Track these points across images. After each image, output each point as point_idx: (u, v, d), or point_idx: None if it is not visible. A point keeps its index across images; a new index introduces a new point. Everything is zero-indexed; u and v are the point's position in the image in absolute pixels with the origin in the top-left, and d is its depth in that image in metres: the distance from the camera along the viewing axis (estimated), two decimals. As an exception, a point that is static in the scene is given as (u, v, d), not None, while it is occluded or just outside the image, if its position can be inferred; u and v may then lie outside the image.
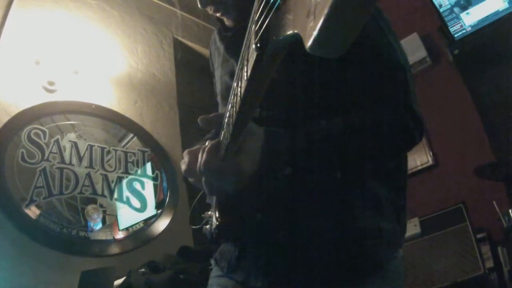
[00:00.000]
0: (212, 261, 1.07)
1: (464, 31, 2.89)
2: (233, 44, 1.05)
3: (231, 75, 1.04)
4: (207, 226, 0.98)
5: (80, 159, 2.47)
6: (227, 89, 1.06)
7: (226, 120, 0.64)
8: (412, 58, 3.22)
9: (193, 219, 1.16)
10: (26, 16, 2.53)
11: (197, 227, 1.10)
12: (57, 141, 2.41)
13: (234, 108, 0.52)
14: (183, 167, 0.89)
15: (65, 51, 2.58)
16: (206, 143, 0.75)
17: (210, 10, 1.05)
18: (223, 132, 0.70)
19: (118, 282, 2.03)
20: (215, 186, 0.77)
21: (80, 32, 2.78)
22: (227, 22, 1.10)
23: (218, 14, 1.06)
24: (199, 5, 1.04)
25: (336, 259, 0.86)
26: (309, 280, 0.87)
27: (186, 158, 0.88)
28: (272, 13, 0.34)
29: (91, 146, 2.55)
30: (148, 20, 3.34)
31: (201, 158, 0.74)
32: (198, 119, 0.77)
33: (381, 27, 0.87)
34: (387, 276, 0.88)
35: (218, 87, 1.13)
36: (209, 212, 1.00)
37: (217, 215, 0.89)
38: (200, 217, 1.04)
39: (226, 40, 1.10)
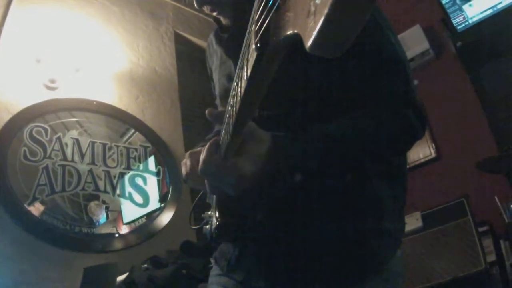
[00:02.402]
0: (212, 260, 1.08)
1: (467, 23, 2.87)
2: (230, 45, 1.05)
3: (229, 76, 1.03)
4: (207, 226, 0.99)
5: (82, 156, 2.48)
6: (225, 91, 1.05)
7: (226, 120, 0.63)
8: (414, 50, 3.19)
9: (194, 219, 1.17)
10: (26, 14, 2.53)
11: (197, 227, 1.11)
12: (59, 138, 2.42)
13: (234, 108, 0.51)
14: (184, 169, 0.88)
15: (66, 48, 2.58)
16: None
17: (206, 9, 1.04)
18: (223, 132, 0.68)
19: (121, 277, 2.04)
20: (215, 187, 0.74)
21: (81, 29, 2.77)
22: (224, 21, 1.09)
23: (214, 14, 1.06)
24: (195, 5, 1.04)
25: (338, 260, 0.85)
26: (310, 280, 0.87)
27: (188, 161, 0.87)
28: (272, 13, 0.33)
29: (93, 143, 2.56)
30: (149, 15, 3.33)
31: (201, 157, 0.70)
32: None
33: (379, 23, 0.85)
34: (387, 275, 0.88)
35: (217, 90, 1.13)
36: (209, 212, 1.00)
37: (217, 215, 0.89)
38: (200, 217, 1.04)
39: (223, 41, 1.09)
